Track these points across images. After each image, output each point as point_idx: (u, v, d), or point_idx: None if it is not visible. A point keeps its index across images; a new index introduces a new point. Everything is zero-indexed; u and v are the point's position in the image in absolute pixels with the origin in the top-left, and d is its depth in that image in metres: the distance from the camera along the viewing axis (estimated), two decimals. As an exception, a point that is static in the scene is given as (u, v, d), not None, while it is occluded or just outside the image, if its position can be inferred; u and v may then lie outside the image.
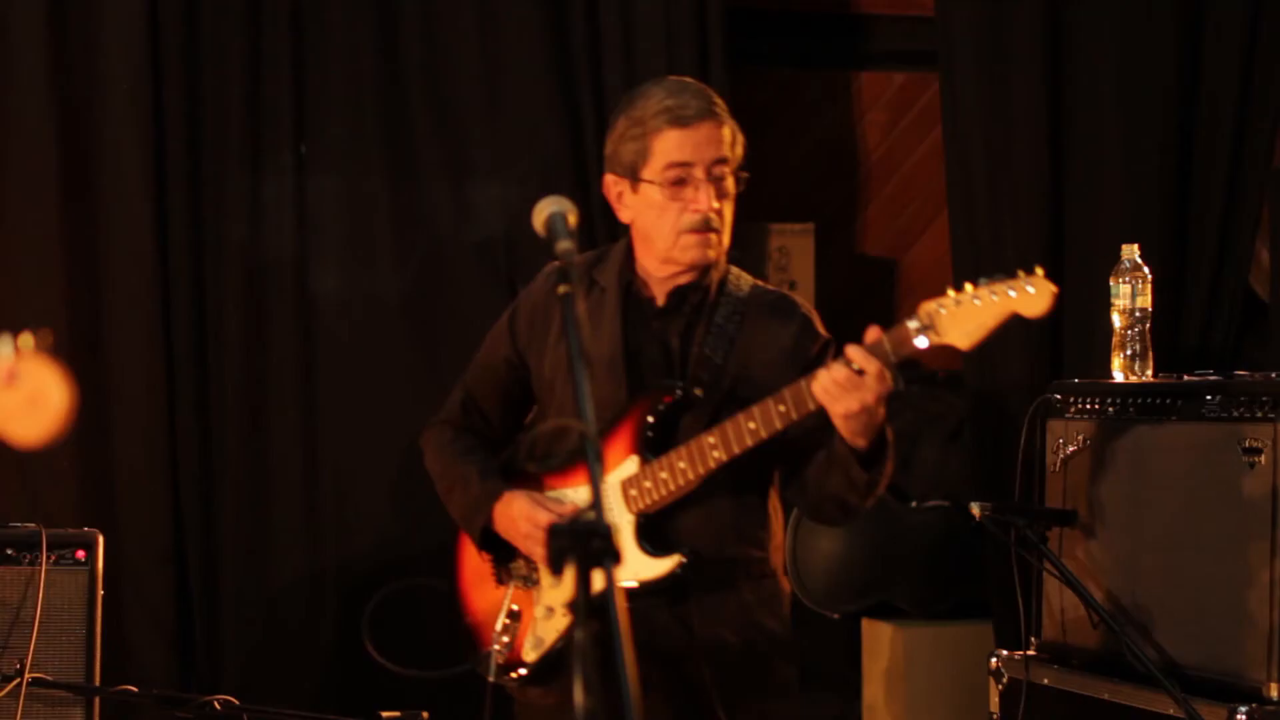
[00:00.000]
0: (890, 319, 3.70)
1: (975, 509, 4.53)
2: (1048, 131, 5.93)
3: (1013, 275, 3.61)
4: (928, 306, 3.62)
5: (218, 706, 4.17)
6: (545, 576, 3.99)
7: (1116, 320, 4.74)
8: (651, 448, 3.87)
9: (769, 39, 7.31)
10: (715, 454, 3.76)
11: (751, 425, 3.72)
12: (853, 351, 3.62)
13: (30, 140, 5.58)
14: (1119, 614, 4.49)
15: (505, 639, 4.00)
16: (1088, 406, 4.68)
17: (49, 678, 4.48)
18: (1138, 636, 4.42)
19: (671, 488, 3.83)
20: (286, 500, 5.84)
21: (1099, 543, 4.62)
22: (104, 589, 4.60)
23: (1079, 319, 5.71)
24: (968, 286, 3.62)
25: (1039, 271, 3.61)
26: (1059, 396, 4.74)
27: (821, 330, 4.01)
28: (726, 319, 3.93)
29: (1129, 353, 4.73)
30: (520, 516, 3.93)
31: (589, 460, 2.71)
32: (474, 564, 4.14)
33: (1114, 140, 5.94)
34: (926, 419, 7.15)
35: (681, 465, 3.79)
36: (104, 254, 5.66)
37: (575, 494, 3.98)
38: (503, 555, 4.07)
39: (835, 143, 7.67)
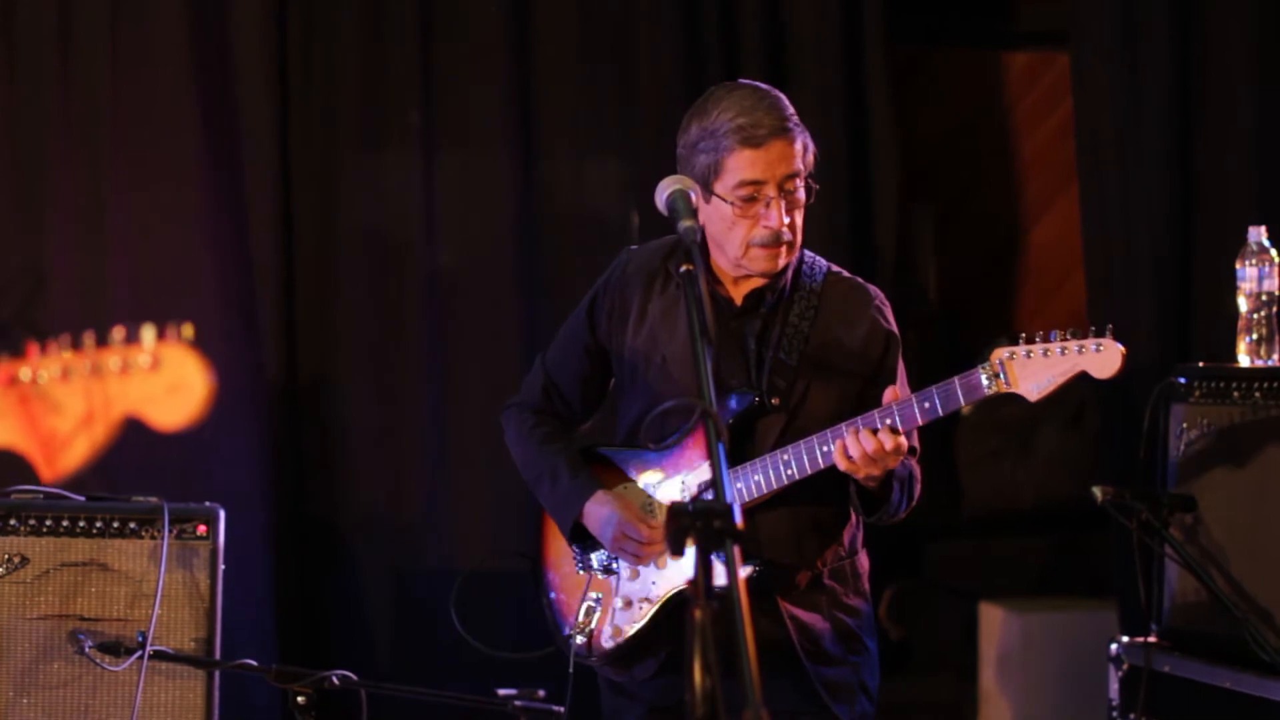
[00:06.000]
0: (1010, 298, 3.73)
1: (1098, 493, 4.49)
2: (1178, 110, 5.85)
3: (1084, 333, 3.71)
4: (1000, 354, 3.72)
5: (335, 682, 4.20)
6: (625, 569, 4.07)
7: (1242, 304, 4.67)
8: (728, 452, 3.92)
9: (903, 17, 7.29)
10: (788, 471, 3.85)
11: (825, 448, 3.78)
12: (876, 437, 3.70)
13: (170, 125, 5.67)
14: (1242, 601, 4.43)
15: (586, 625, 4.08)
16: (1212, 391, 4.61)
17: (170, 650, 4.53)
18: (1261, 624, 4.36)
19: (748, 498, 3.91)
20: (417, 477, 5.90)
21: (1223, 529, 4.55)
22: (225, 563, 4.64)
23: (1207, 301, 5.63)
24: (1039, 337, 3.71)
25: (1109, 330, 3.70)
26: (1184, 381, 4.68)
27: (891, 325, 4.04)
28: (801, 316, 3.97)
29: (1254, 337, 4.65)
30: (610, 523, 4.01)
31: (709, 439, 2.72)
32: (558, 544, 4.21)
33: (1245, 119, 5.84)
34: (1048, 403, 7.08)
35: (757, 479, 3.87)
36: (241, 231, 5.74)
37: (664, 486, 4.04)
38: (589, 544, 4.14)
39: (958, 121, 7.63)
